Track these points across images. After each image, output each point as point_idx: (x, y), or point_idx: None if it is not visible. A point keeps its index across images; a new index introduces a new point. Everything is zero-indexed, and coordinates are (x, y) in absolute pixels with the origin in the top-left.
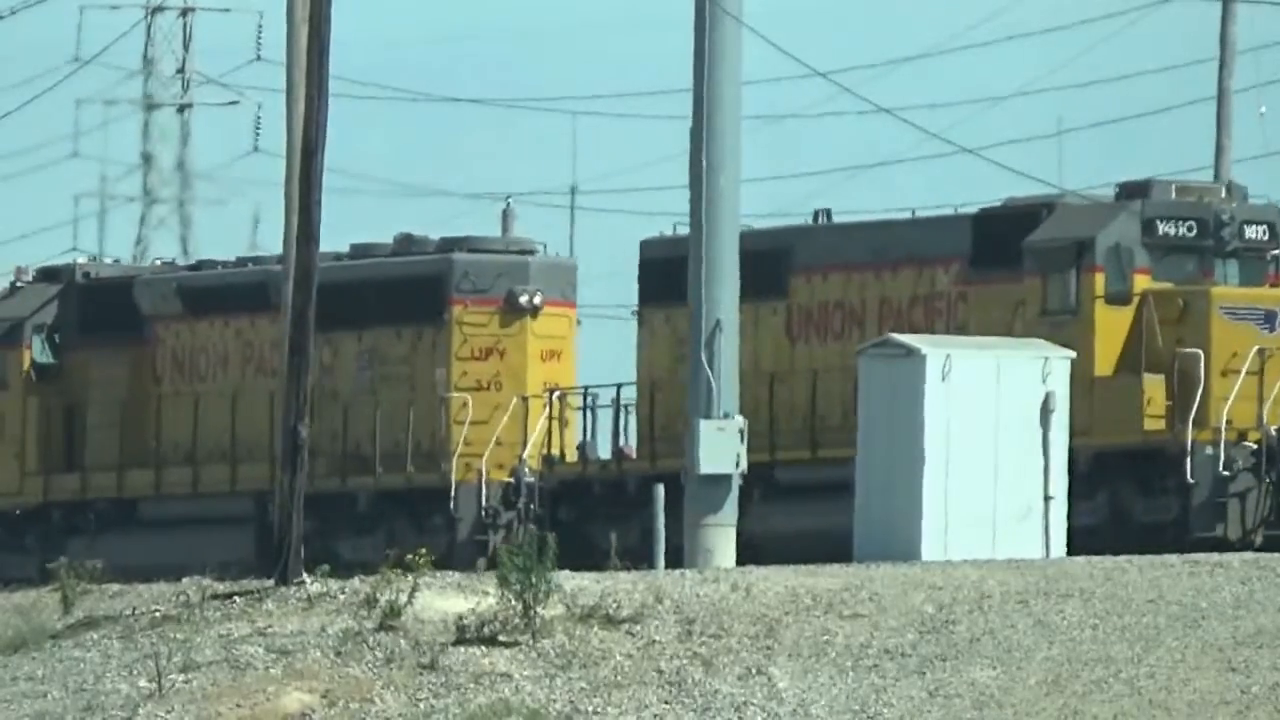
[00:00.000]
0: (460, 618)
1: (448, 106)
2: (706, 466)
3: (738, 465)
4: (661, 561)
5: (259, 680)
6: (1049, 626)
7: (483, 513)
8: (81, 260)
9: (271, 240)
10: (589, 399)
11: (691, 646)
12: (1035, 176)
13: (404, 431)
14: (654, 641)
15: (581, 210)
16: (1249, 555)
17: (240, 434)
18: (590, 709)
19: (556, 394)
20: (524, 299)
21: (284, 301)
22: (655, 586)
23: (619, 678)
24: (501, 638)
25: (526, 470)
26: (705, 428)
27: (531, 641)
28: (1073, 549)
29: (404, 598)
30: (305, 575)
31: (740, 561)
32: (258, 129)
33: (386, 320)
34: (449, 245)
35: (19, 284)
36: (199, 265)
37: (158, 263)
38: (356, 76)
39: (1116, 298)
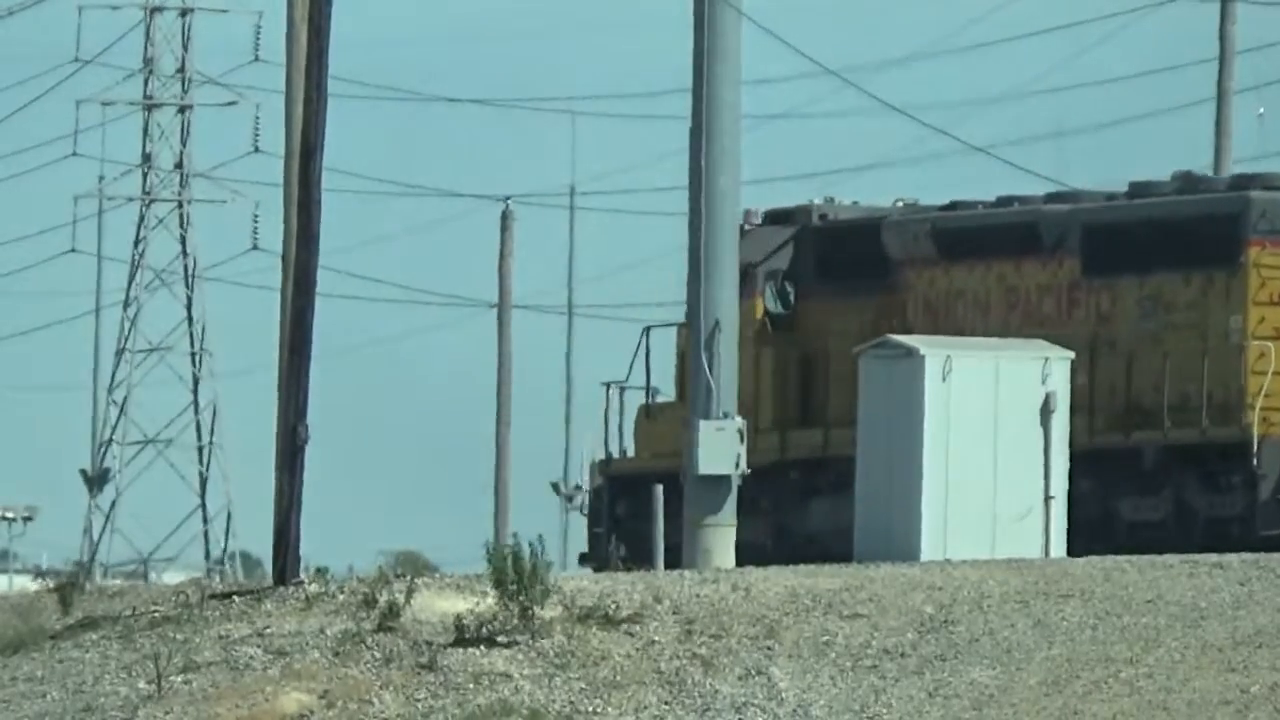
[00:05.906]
0: (459, 618)
1: (448, 106)
2: (705, 467)
3: (737, 466)
4: (661, 562)
5: (258, 681)
6: (1049, 626)
7: None
8: (817, 201)
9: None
10: None
11: (691, 647)
12: (1035, 174)
13: (1195, 383)
14: (653, 642)
15: (581, 210)
16: (1249, 555)
17: None
18: (590, 709)
19: None
20: None
21: (1058, 244)
22: (654, 587)
23: (618, 678)
24: (500, 638)
25: None
26: (705, 428)
27: (530, 642)
28: None
29: (402, 598)
30: (303, 575)
31: None
32: (257, 129)
33: (1171, 264)
34: (1242, 182)
35: (746, 227)
36: (953, 205)
37: (899, 203)
38: (356, 76)
39: None
